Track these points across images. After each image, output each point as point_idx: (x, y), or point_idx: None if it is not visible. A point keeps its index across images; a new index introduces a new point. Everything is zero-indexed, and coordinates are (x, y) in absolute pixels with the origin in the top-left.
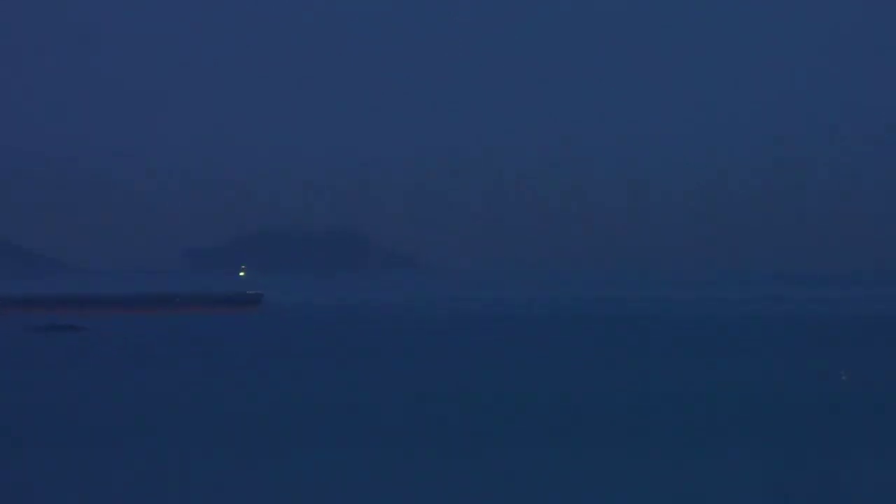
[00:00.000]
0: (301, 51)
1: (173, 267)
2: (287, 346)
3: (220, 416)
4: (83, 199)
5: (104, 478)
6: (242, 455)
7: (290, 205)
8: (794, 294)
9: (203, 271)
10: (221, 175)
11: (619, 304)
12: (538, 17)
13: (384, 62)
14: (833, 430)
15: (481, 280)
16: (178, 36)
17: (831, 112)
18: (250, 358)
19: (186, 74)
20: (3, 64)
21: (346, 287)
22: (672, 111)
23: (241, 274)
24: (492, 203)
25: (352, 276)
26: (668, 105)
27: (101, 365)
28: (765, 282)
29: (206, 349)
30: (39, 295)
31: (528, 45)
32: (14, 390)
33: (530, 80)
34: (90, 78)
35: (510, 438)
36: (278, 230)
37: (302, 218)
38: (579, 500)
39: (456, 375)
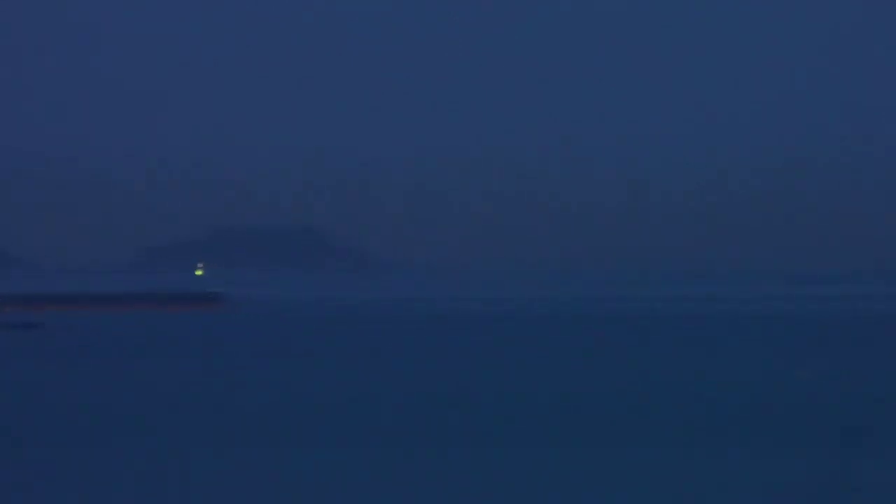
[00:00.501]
0: (276, 48)
1: (131, 264)
2: (245, 344)
3: (178, 414)
4: (38, 197)
5: (60, 475)
6: (199, 453)
7: (252, 202)
8: (795, 292)
9: (162, 269)
10: (185, 173)
11: (619, 303)
12: (534, 14)
13: (364, 60)
14: (833, 428)
15: (451, 279)
16: (159, 31)
17: (832, 110)
18: (208, 356)
19: (153, 69)
20: None
21: (307, 285)
22: (672, 110)
23: (198, 273)
24: (467, 201)
25: (313, 274)
26: (668, 104)
27: (59, 363)
28: (766, 280)
29: (164, 347)
30: None
31: (515, 40)
32: None
33: (512, 76)
34: (55, 71)
35: (478, 438)
36: (240, 228)
37: (263, 215)
38: (569, 500)
39: (419, 374)
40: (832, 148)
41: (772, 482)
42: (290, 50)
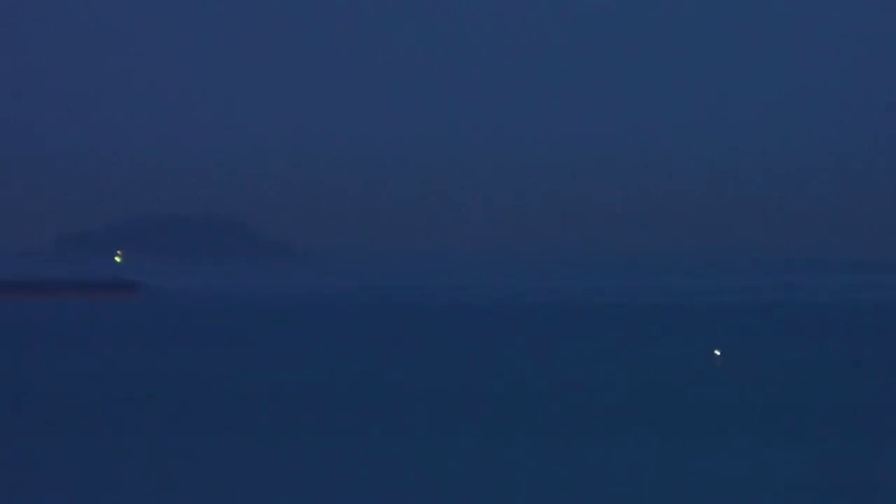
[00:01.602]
0: (200, 37)
1: (47, 252)
2: (163, 332)
3: (94, 400)
4: None
5: None
6: (115, 438)
7: (170, 192)
8: (803, 281)
9: (80, 257)
10: (100, 160)
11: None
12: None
13: (295, 48)
14: (840, 412)
15: (364, 268)
16: (84, 17)
17: (841, 96)
18: (125, 344)
19: (80, 55)
20: None
21: (226, 275)
22: (679, 99)
23: (117, 259)
24: (379, 191)
25: (231, 263)
26: (676, 92)
27: None
28: (772, 269)
29: (81, 335)
30: None
31: (436, 19)
32: None
33: (456, 66)
34: None
35: (390, 423)
36: (158, 217)
37: (183, 205)
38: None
39: (334, 362)
40: (839, 135)
41: (770, 467)
42: (215, 39)
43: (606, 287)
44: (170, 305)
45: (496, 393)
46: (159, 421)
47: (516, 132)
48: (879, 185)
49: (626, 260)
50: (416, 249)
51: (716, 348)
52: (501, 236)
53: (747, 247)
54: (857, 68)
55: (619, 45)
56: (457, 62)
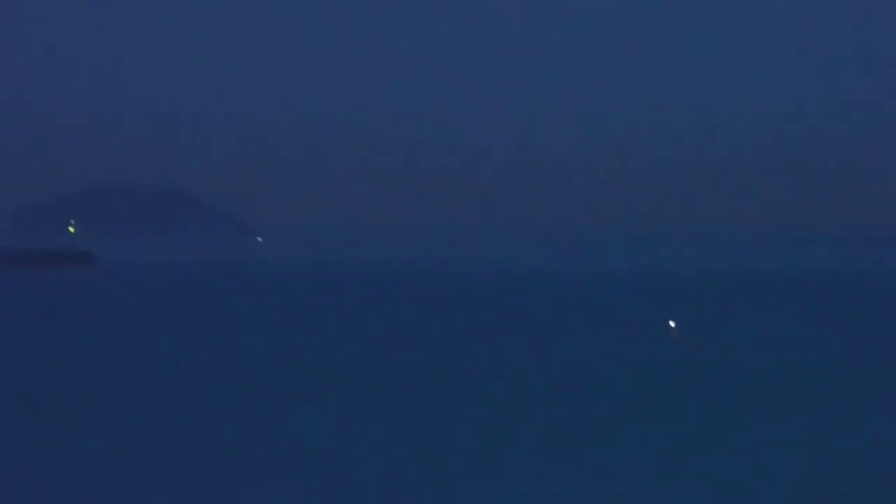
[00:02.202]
0: (147, 11)
1: (1, 223)
2: (117, 303)
3: (52, 371)
4: None
5: None
6: (72, 409)
7: (121, 162)
8: (807, 254)
9: (31, 228)
10: (51, 130)
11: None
12: None
13: (244, 18)
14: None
15: (318, 240)
16: None
17: (851, 74)
18: (81, 314)
19: (28, 27)
20: None
21: (179, 245)
22: (685, 72)
23: (71, 230)
24: (346, 167)
25: (183, 235)
26: (680, 67)
27: None
28: (778, 242)
29: (37, 305)
30: None
31: None
32: None
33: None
34: None
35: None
36: (112, 188)
37: (135, 176)
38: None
39: (284, 332)
40: (845, 111)
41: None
42: (159, 10)
43: (567, 259)
44: (124, 276)
45: (442, 364)
46: (116, 391)
47: (469, 102)
48: (829, 159)
49: (589, 232)
50: (372, 222)
51: (672, 320)
52: (449, 208)
53: (715, 221)
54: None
55: (614, 26)
56: (402, 25)
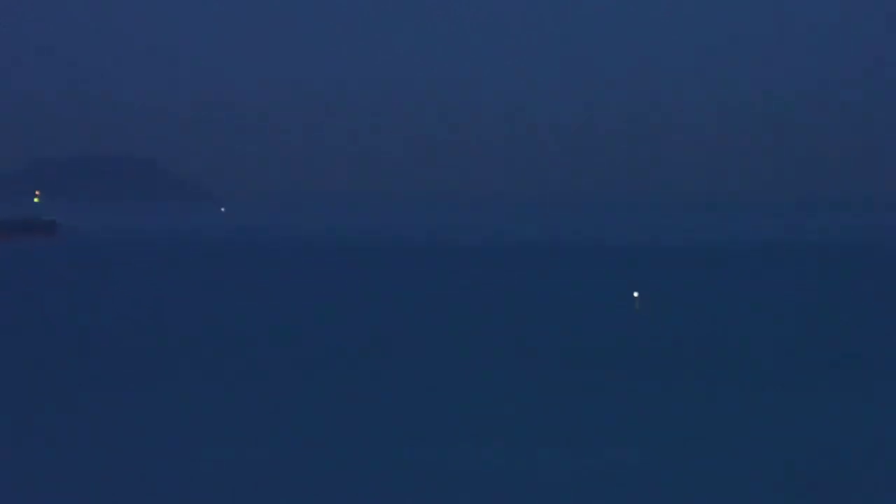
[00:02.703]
0: None
1: None
2: (82, 272)
3: (14, 336)
4: None
5: None
6: (33, 380)
7: (87, 133)
8: (808, 222)
9: None
10: (15, 101)
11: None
12: None
13: None
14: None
15: (286, 211)
16: None
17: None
18: (45, 283)
19: None
20: None
21: (141, 214)
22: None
23: (36, 200)
24: (308, 134)
25: (147, 203)
26: (682, 33)
27: None
28: (776, 211)
29: (1, 274)
30: None
31: None
32: None
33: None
34: None
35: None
36: (75, 158)
37: (99, 146)
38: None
39: (246, 300)
40: (850, 78)
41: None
42: None
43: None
44: (88, 245)
45: (399, 331)
46: (78, 358)
47: (430, 71)
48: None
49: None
50: (333, 191)
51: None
52: (411, 176)
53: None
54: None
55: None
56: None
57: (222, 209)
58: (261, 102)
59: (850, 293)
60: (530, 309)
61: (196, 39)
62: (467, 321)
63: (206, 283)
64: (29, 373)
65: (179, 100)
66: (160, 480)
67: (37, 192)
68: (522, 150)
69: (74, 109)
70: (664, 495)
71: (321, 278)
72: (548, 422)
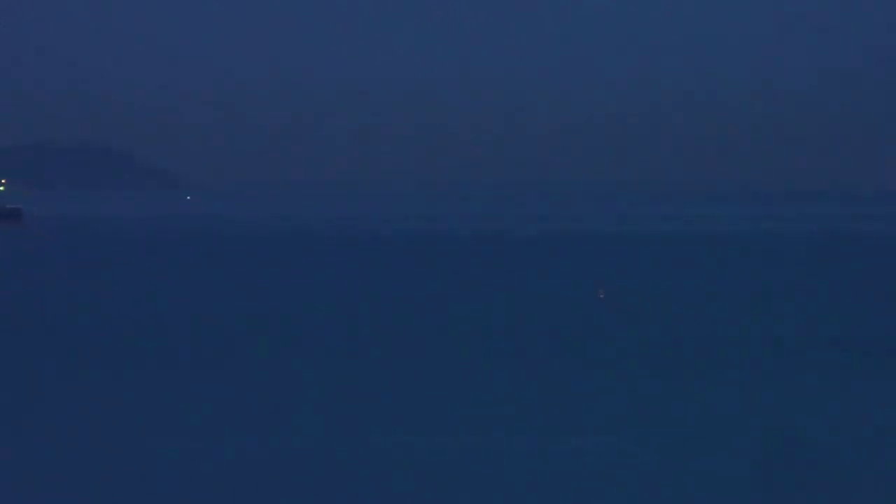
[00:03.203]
0: None
1: None
2: (48, 259)
3: None
4: None
5: None
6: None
7: (50, 119)
8: (784, 212)
9: None
10: None
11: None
12: None
13: None
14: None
15: (241, 198)
16: None
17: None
18: (11, 271)
19: None
20: None
21: (108, 203)
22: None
23: (0, 188)
24: (256, 124)
25: (113, 192)
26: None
27: None
28: (754, 201)
29: None
30: None
31: None
32: None
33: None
34: None
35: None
36: (40, 145)
37: (64, 133)
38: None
39: (215, 288)
40: (828, 66)
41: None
42: None
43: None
44: (51, 233)
45: (365, 322)
46: (45, 346)
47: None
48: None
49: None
50: (303, 180)
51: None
52: (376, 165)
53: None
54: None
55: None
56: None
57: (188, 197)
58: (245, 95)
59: (832, 281)
60: (496, 297)
61: (180, 31)
62: (438, 310)
63: (164, 269)
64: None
65: (160, 90)
66: (129, 471)
67: (2, 181)
68: (518, 142)
69: (45, 97)
70: (639, 482)
71: (276, 265)
72: (516, 409)
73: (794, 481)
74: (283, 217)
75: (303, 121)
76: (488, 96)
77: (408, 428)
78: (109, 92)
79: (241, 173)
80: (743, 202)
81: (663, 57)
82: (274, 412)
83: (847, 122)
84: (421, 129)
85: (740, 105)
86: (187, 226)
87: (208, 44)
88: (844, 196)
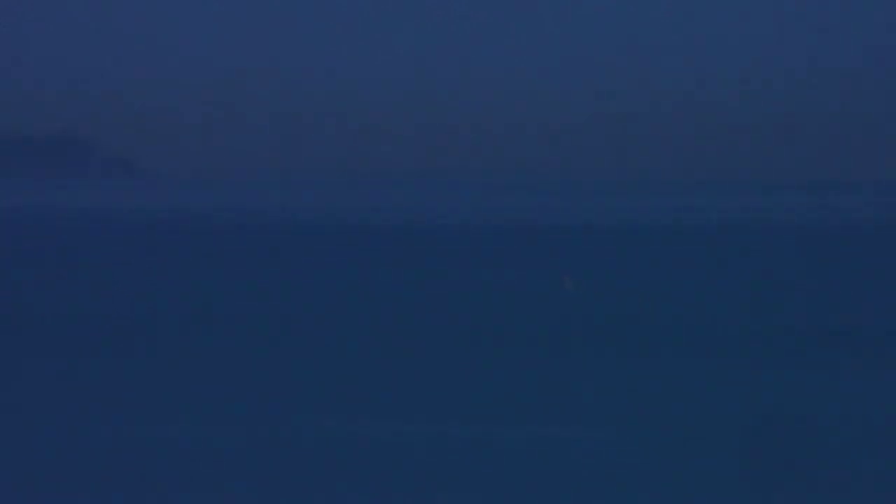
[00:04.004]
0: None
1: None
2: (7, 252)
3: None
4: None
5: None
6: None
7: (14, 109)
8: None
9: None
10: None
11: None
12: None
13: None
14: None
15: (219, 190)
16: None
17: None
18: None
19: None
20: None
21: (67, 193)
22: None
23: None
24: (218, 110)
25: (73, 181)
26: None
27: None
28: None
29: None
30: None
31: None
32: None
33: None
34: None
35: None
36: (4, 135)
37: (26, 123)
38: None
39: (180, 283)
40: (821, 49)
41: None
42: None
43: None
44: (12, 224)
45: (328, 315)
46: (7, 333)
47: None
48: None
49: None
50: (269, 170)
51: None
52: (338, 153)
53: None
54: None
55: None
56: None
57: (145, 187)
58: (236, 88)
59: (833, 271)
60: (464, 291)
61: (131, 18)
62: (417, 301)
63: (132, 259)
64: None
65: (108, 74)
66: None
67: None
68: (517, 141)
69: (8, 85)
70: (613, 471)
71: (246, 254)
72: (478, 397)
73: (782, 469)
74: (242, 206)
75: (300, 117)
76: (488, 96)
77: (373, 416)
78: (73, 80)
79: (201, 160)
80: (733, 193)
81: (663, 57)
82: (268, 403)
83: (847, 121)
84: (421, 129)
85: (740, 103)
86: (149, 215)
87: (195, 33)
88: (842, 186)
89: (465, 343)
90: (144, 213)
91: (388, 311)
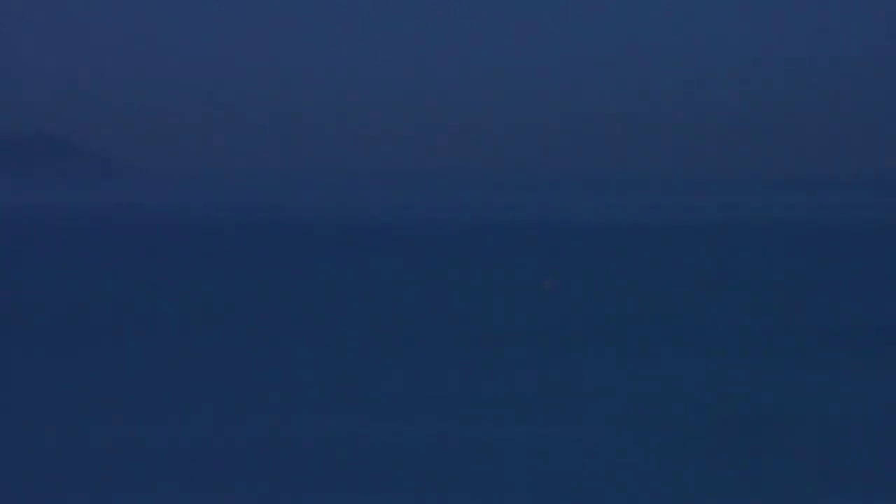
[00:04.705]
0: None
1: None
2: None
3: None
4: None
5: None
6: None
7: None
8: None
9: None
10: None
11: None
12: None
13: None
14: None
15: (194, 186)
16: None
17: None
18: None
19: None
20: None
21: (47, 190)
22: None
23: None
24: (218, 107)
25: (52, 179)
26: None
27: None
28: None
29: None
30: None
31: None
32: None
33: None
34: None
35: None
36: None
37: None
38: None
39: (161, 279)
40: (829, 49)
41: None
42: None
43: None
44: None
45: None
46: None
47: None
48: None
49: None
50: (251, 168)
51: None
52: (324, 152)
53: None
54: None
55: None
56: None
57: (124, 184)
58: (177, 76)
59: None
60: (449, 289)
61: (113, 15)
62: (411, 299)
63: (114, 257)
64: None
65: (84, 71)
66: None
67: None
68: (517, 140)
69: None
70: (590, 469)
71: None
72: (463, 398)
73: (770, 460)
74: (220, 203)
75: (299, 115)
76: (488, 96)
77: (367, 415)
78: (42, 77)
79: (180, 158)
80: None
81: (663, 57)
82: (268, 403)
83: (847, 121)
84: (421, 129)
85: (739, 102)
86: (129, 213)
87: (195, 34)
88: (843, 183)
89: (465, 343)
90: (144, 213)
91: (387, 309)
